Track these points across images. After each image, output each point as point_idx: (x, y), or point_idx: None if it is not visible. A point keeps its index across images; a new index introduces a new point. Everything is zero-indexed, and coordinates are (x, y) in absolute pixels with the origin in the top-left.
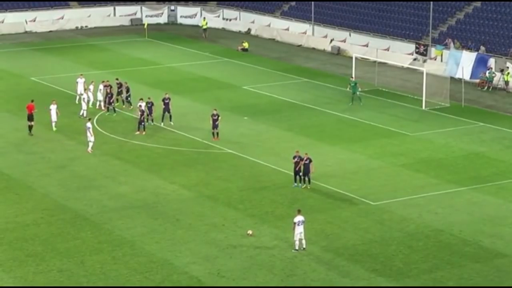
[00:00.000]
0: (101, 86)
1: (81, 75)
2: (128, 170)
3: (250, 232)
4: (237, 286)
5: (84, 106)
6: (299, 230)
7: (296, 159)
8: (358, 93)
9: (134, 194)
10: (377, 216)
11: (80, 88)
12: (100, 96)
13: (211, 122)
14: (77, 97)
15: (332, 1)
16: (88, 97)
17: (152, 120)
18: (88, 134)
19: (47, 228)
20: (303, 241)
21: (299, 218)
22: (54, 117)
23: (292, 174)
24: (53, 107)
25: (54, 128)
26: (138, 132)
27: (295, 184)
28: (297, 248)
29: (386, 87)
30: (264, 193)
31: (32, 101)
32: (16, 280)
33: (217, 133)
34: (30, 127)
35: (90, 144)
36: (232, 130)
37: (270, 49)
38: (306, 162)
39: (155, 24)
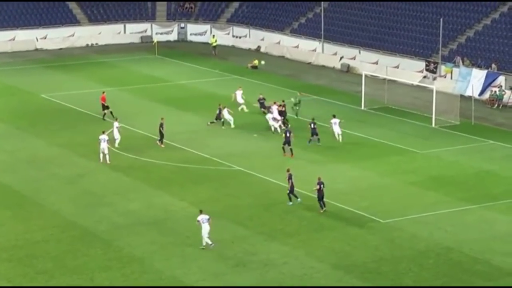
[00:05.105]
0: (274, 108)
1: (240, 87)
2: (138, 187)
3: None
4: None
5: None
6: (207, 228)
7: (318, 186)
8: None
9: (144, 211)
10: (387, 233)
11: (239, 99)
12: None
13: (284, 138)
14: (239, 107)
15: (342, 18)
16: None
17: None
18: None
19: (57, 245)
20: (209, 240)
21: (202, 216)
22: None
23: (315, 197)
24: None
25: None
26: (162, 145)
27: (292, 202)
28: (204, 244)
29: (396, 104)
30: (273, 210)
31: (103, 92)
32: None
33: (291, 149)
34: (104, 114)
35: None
36: (241, 147)
37: (280, 66)
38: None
39: (165, 41)
